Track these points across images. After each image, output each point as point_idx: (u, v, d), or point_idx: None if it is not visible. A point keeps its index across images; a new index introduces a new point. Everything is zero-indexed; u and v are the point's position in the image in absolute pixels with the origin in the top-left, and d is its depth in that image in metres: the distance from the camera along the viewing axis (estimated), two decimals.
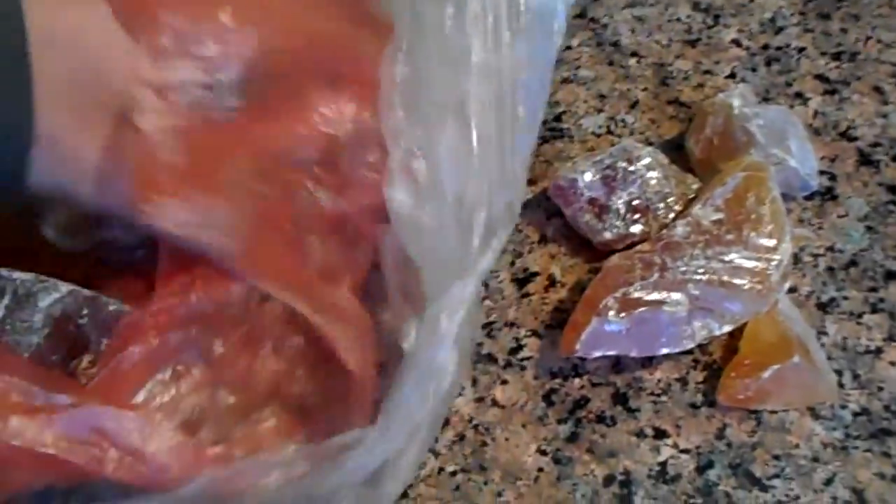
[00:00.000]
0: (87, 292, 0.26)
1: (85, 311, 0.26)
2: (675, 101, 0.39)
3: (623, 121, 0.39)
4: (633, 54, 0.41)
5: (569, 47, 0.42)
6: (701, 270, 0.29)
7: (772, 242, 0.29)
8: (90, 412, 0.23)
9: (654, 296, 0.29)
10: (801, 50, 0.40)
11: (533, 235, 0.35)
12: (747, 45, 0.40)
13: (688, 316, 0.29)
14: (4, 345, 0.26)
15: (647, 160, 0.33)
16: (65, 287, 0.26)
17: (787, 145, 0.32)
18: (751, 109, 0.33)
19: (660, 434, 0.29)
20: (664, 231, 0.31)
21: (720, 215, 0.30)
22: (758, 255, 0.29)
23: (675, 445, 0.29)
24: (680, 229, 0.30)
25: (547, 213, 0.36)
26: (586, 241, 0.34)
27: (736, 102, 0.33)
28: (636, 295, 0.29)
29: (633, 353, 0.29)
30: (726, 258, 0.29)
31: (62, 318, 0.26)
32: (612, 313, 0.29)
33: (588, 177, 0.33)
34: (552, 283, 0.34)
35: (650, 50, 0.41)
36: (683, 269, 0.29)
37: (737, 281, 0.29)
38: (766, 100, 0.37)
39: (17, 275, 0.26)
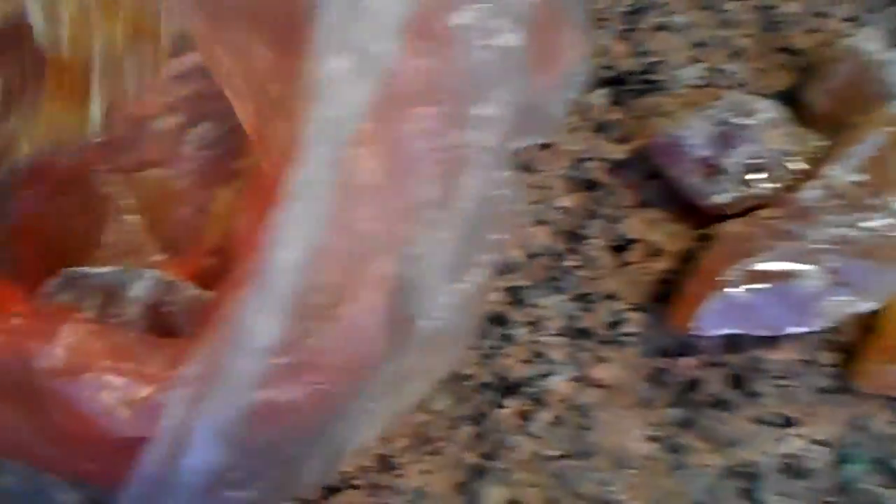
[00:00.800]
0: (166, 277, 0.24)
1: (169, 298, 0.24)
2: (785, 49, 0.35)
3: (724, 71, 0.35)
4: None
5: None
6: (838, 239, 0.26)
7: None
8: None
9: (784, 267, 0.26)
10: None
11: (629, 199, 0.32)
12: None
13: (823, 291, 0.25)
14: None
15: (765, 115, 0.30)
16: (149, 273, 0.24)
17: None
18: (887, 56, 0.29)
19: (786, 422, 0.26)
20: (790, 194, 0.27)
21: (859, 177, 0.26)
22: None
23: (806, 435, 0.26)
24: (811, 192, 0.27)
25: (644, 173, 0.32)
26: (691, 204, 0.31)
27: (870, 48, 0.29)
28: (762, 266, 0.26)
29: (759, 333, 0.26)
30: (868, 225, 0.26)
31: (153, 307, 0.24)
32: (734, 287, 0.26)
33: (697, 133, 0.30)
34: (654, 251, 0.30)
35: None
36: (817, 237, 0.26)
37: (882, 252, 0.25)
38: (893, 46, 0.33)
39: (103, 269, 0.24)
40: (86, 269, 0.25)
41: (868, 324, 0.27)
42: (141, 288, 0.24)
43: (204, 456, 0.17)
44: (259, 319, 0.16)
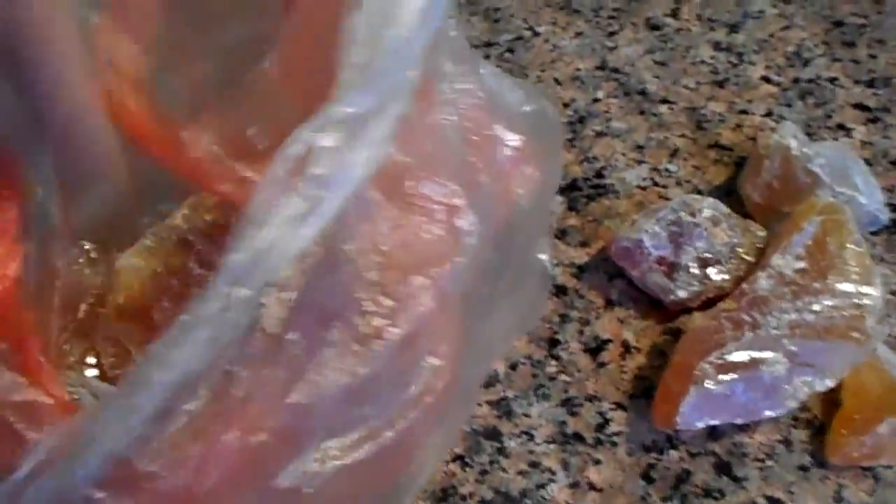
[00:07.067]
0: None
1: None
2: (716, 145, 0.38)
3: (666, 170, 0.38)
4: (663, 101, 0.41)
5: (596, 100, 0.41)
6: (793, 324, 0.28)
7: (862, 287, 0.28)
8: None
9: (751, 356, 0.28)
10: (833, 80, 0.39)
11: (597, 300, 0.34)
12: (778, 81, 0.40)
13: (787, 374, 0.27)
14: None
15: (709, 212, 0.32)
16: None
17: (853, 182, 0.31)
18: (810, 149, 0.32)
19: (774, 502, 0.28)
20: (744, 285, 0.30)
21: (803, 263, 0.29)
22: (850, 301, 0.28)
23: None
24: (763, 282, 0.29)
25: (608, 275, 0.34)
26: (655, 301, 0.33)
27: (793, 143, 0.33)
28: (732, 357, 0.28)
29: (739, 421, 0.28)
30: (817, 308, 0.28)
31: None
32: (709, 380, 0.27)
33: (653, 235, 0.32)
34: (627, 349, 0.32)
35: (679, 95, 0.41)
36: (775, 324, 0.28)
37: (832, 332, 0.27)
38: (808, 135, 0.37)
39: None
40: None
41: (832, 399, 0.29)
42: None
43: None
44: None
